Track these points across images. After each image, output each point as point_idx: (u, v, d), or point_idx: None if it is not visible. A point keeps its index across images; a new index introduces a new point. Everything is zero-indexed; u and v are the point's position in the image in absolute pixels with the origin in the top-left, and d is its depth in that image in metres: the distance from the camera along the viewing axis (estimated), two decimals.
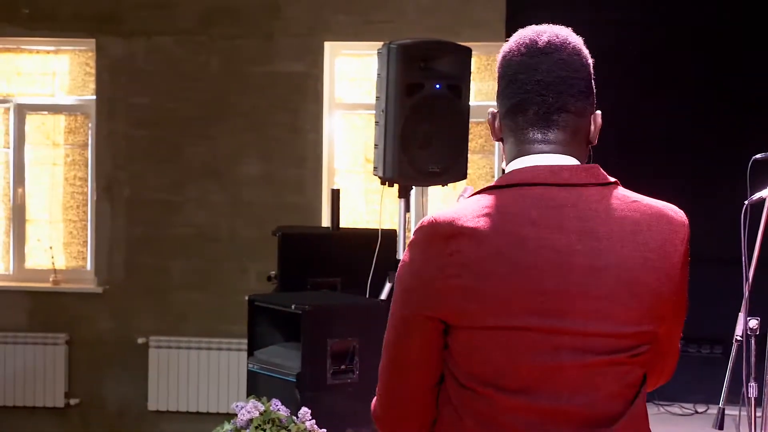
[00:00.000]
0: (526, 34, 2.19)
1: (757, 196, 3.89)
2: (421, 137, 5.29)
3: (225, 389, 8.02)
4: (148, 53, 8.20)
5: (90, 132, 8.45)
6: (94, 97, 8.36)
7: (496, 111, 2.20)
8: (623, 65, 7.14)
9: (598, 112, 2.24)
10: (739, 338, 3.95)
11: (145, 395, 8.14)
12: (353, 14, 7.99)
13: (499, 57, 2.20)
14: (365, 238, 5.64)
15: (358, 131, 8.29)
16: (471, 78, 5.37)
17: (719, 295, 6.46)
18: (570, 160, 2.14)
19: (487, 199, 2.06)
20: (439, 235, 2.03)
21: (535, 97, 2.12)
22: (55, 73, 8.54)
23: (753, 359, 3.91)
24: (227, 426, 4.62)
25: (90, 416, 8.32)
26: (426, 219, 2.09)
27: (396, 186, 5.38)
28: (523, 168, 2.10)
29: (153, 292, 8.19)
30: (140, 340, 8.13)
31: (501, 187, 2.07)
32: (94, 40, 8.31)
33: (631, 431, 2.09)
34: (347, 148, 8.31)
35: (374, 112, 7.92)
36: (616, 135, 7.11)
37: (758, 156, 4.10)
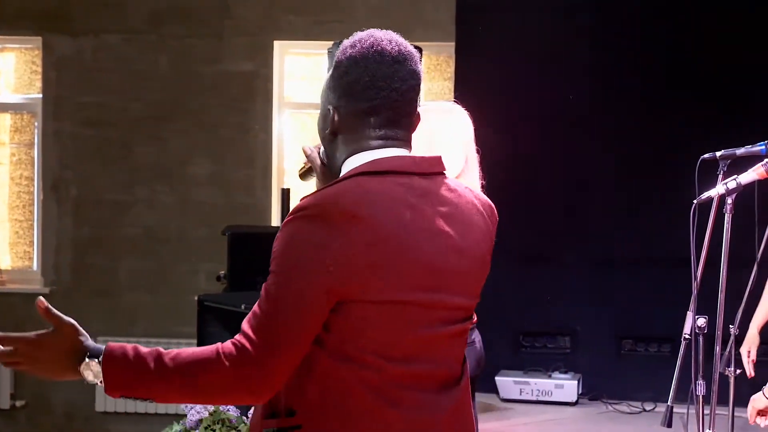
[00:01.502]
0: (373, 40, 2.39)
1: (705, 195, 3.92)
2: None
3: None
4: (97, 52, 8.14)
5: (36, 131, 8.38)
6: (41, 95, 8.29)
7: (336, 106, 2.39)
8: (571, 64, 7.19)
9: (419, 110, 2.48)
10: (687, 336, 3.97)
11: (93, 397, 8.09)
12: (303, 14, 7.99)
13: (345, 59, 2.39)
14: None
15: (307, 131, 8.28)
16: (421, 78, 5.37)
17: (667, 294, 6.52)
18: (411, 153, 2.43)
19: (370, 184, 2.30)
20: (343, 216, 2.23)
21: (390, 102, 2.38)
22: (0, 71, 8.45)
23: (701, 357, 3.94)
24: (176, 427, 4.61)
25: (37, 418, 8.26)
26: (322, 198, 2.26)
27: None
28: (384, 159, 2.35)
29: (101, 292, 8.14)
30: None
31: (375, 173, 2.32)
32: (40, 38, 8.25)
33: (466, 387, 2.44)
34: (297, 147, 8.30)
35: None
36: (565, 133, 7.19)
37: (706, 156, 4.14)
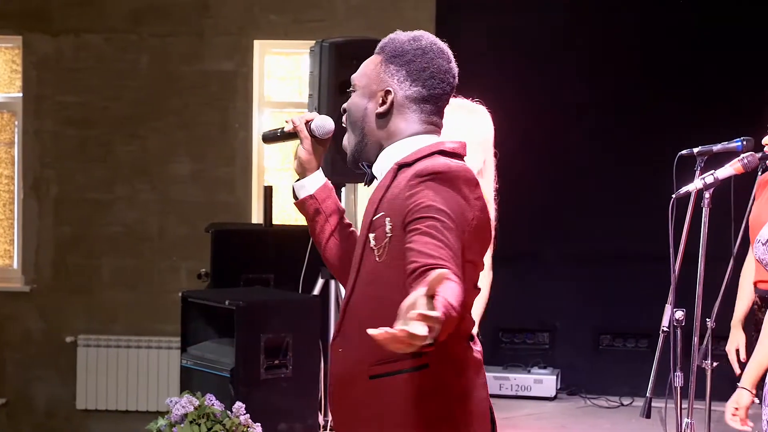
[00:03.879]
0: (433, 39, 2.72)
1: (683, 190, 3.98)
2: None
3: (155, 387, 8.00)
4: (77, 51, 8.16)
5: (16, 130, 8.38)
6: (21, 94, 8.29)
7: (394, 89, 2.66)
8: (549, 64, 7.26)
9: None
10: (665, 329, 4.04)
11: (74, 394, 8.10)
12: (283, 14, 8.02)
13: (410, 48, 2.67)
14: (297, 234, 5.67)
15: None
16: None
17: (645, 290, 6.60)
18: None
19: (458, 161, 2.61)
20: (473, 182, 2.56)
21: (444, 94, 2.69)
22: None
23: (679, 350, 4.00)
24: (162, 421, 4.64)
25: (18, 416, 8.26)
26: (455, 165, 2.55)
27: None
28: (448, 142, 2.64)
29: (82, 291, 8.15)
30: (68, 339, 8.08)
31: (447, 154, 2.61)
32: (20, 37, 8.25)
33: None
34: (276, 146, 8.32)
35: (303, 110, 8.01)
36: (545, 132, 7.26)
37: (683, 152, 4.20)
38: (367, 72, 2.71)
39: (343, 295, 2.80)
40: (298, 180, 2.94)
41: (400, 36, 2.71)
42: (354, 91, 2.75)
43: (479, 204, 2.55)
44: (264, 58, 8.23)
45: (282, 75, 8.33)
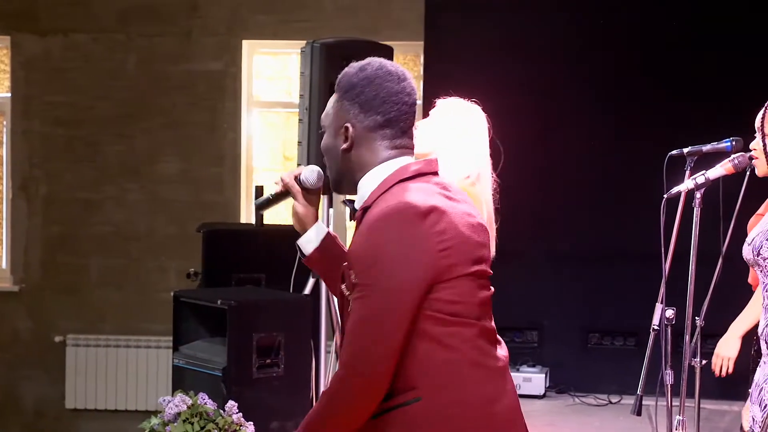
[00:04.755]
0: (380, 63, 2.73)
1: (675, 190, 4.02)
2: None
3: (144, 387, 8.02)
4: (65, 51, 8.17)
5: (5, 130, 8.38)
6: (9, 95, 8.30)
7: (352, 123, 2.70)
8: (539, 63, 7.30)
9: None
10: (656, 327, 4.08)
11: (63, 394, 8.11)
12: (272, 14, 8.04)
13: (358, 81, 2.70)
14: (288, 234, 5.62)
15: (275, 129, 8.35)
16: None
17: (632, 289, 6.65)
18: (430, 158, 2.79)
19: (411, 186, 2.64)
20: (419, 214, 2.56)
21: (401, 114, 2.71)
22: None
23: (669, 347, 4.05)
24: (155, 420, 4.64)
25: (6, 415, 8.26)
26: (397, 206, 2.57)
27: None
28: (408, 165, 2.68)
29: (70, 290, 8.16)
30: (57, 339, 8.09)
31: (409, 178, 2.66)
32: (8, 37, 8.26)
33: None
34: (265, 146, 8.36)
35: (291, 110, 8.04)
36: (533, 131, 7.29)
37: (673, 152, 4.24)
38: (329, 111, 2.76)
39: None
40: (301, 236, 2.94)
41: (350, 70, 2.74)
42: (324, 132, 2.79)
43: (441, 228, 2.56)
44: (252, 58, 8.25)
45: (270, 75, 8.35)
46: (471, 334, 2.61)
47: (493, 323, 2.71)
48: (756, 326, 4.07)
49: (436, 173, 2.71)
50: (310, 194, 2.91)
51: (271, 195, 3.00)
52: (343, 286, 2.66)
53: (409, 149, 2.73)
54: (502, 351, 2.72)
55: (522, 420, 2.72)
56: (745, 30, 7.06)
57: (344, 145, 2.71)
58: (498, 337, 2.73)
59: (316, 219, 2.94)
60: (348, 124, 2.71)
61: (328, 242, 2.93)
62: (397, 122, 2.70)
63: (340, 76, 2.77)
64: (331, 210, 5.46)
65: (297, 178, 2.91)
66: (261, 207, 3.06)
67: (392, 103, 2.69)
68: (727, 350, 4.65)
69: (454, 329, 2.59)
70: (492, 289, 2.72)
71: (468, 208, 2.68)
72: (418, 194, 2.60)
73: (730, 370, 4.62)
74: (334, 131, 2.73)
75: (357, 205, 2.73)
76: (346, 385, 2.58)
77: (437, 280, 2.56)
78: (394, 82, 2.70)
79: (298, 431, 2.66)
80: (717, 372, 4.65)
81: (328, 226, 3.30)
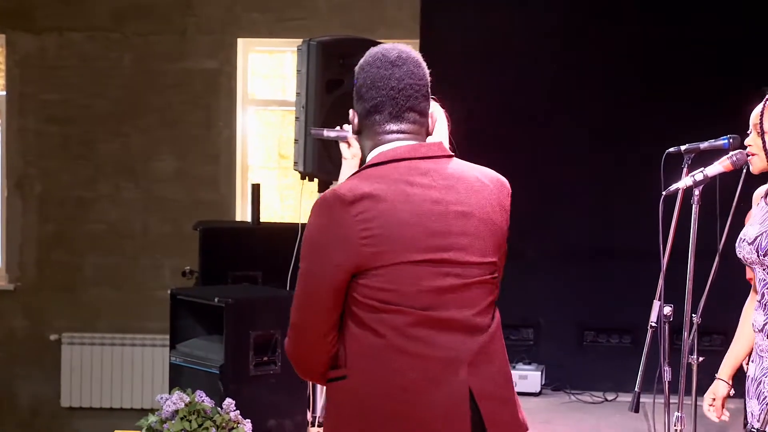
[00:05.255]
0: (378, 50, 2.76)
1: (674, 187, 4.02)
2: None
3: (139, 385, 8.03)
4: (60, 49, 8.17)
5: (0, 128, 8.38)
6: (4, 92, 8.30)
7: (355, 111, 2.78)
8: (534, 62, 7.31)
9: (432, 111, 2.82)
10: (654, 324, 4.08)
11: (58, 392, 8.11)
12: (266, 12, 8.05)
13: (356, 70, 2.77)
14: (285, 232, 5.69)
15: (271, 127, 8.35)
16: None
17: (628, 286, 6.67)
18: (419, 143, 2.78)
19: (371, 172, 2.69)
20: (343, 202, 2.60)
21: (389, 99, 2.72)
22: None
23: (667, 344, 4.06)
24: (152, 418, 4.66)
25: (2, 414, 8.26)
26: (326, 193, 2.66)
27: (315, 181, 5.45)
28: (388, 150, 2.71)
29: (66, 289, 8.16)
30: (53, 337, 8.09)
31: (378, 164, 2.70)
32: (4, 36, 8.25)
33: (496, 337, 2.75)
34: (260, 144, 8.37)
35: (287, 108, 8.04)
36: (529, 128, 7.31)
37: (671, 149, 4.25)
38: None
39: None
40: None
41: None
42: None
43: (369, 215, 2.59)
44: (247, 56, 8.25)
45: (265, 73, 8.36)
46: (402, 321, 2.62)
47: (455, 312, 2.66)
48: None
49: (424, 157, 2.71)
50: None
51: (336, 131, 3.37)
52: None
53: (406, 134, 2.75)
54: (468, 343, 2.66)
55: (462, 416, 2.63)
56: (741, 29, 7.09)
57: (353, 131, 2.84)
58: (476, 326, 2.68)
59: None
60: (352, 111, 2.80)
61: None
62: (383, 108, 2.73)
63: None
64: None
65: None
66: (318, 135, 3.48)
67: (377, 88, 2.71)
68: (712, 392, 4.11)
69: (383, 315, 2.62)
70: (476, 279, 2.69)
71: (440, 195, 2.67)
72: (357, 181, 2.66)
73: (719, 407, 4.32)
74: (350, 116, 2.83)
75: None
76: (287, 351, 2.77)
77: (362, 267, 2.60)
78: (385, 68, 2.71)
79: None
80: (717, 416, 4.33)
81: None
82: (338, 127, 3.45)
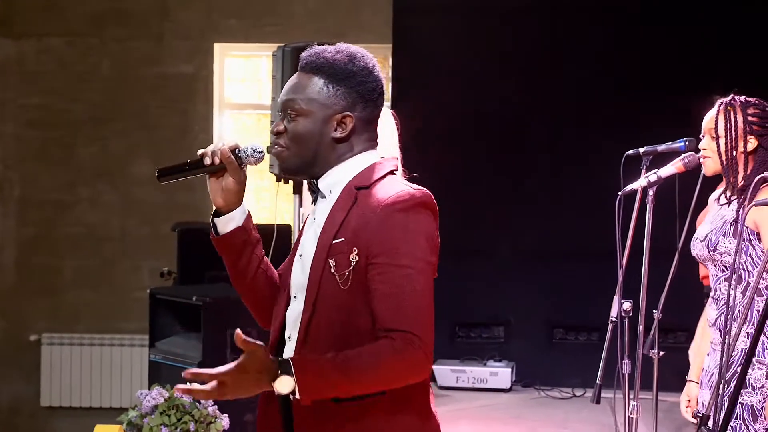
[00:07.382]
0: (366, 52, 2.67)
1: (629, 188, 4.18)
2: None
3: (118, 384, 8.11)
4: (39, 54, 8.24)
5: None
6: None
7: (350, 114, 2.60)
8: (503, 65, 7.44)
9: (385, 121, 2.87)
10: (614, 320, 4.23)
11: (38, 392, 8.19)
12: (243, 18, 8.16)
13: (355, 69, 2.60)
14: (261, 232, 5.76)
15: (247, 131, 8.46)
16: None
17: (596, 285, 6.78)
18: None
19: (404, 180, 2.68)
20: (432, 205, 2.58)
21: (381, 110, 2.69)
22: None
23: (626, 339, 4.20)
24: (132, 413, 4.77)
25: None
26: (424, 192, 2.57)
27: (291, 183, 5.56)
28: (384, 162, 2.64)
29: (45, 291, 8.23)
30: (32, 338, 8.17)
31: (392, 172, 2.63)
32: None
33: None
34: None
35: (263, 111, 8.15)
36: (498, 130, 7.45)
37: (630, 152, 4.41)
38: (313, 96, 2.58)
39: None
40: (222, 214, 2.72)
41: (336, 55, 2.62)
42: (297, 116, 2.60)
43: (437, 223, 2.58)
44: (224, 61, 8.37)
45: (242, 77, 8.47)
46: None
47: None
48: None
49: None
50: (241, 170, 2.66)
51: (187, 163, 2.70)
52: (331, 261, 2.53)
53: (376, 142, 2.69)
54: None
55: None
56: (702, 31, 7.22)
57: (338, 134, 2.60)
58: None
59: (242, 198, 2.72)
60: (349, 114, 2.59)
61: (249, 225, 2.74)
62: (378, 115, 2.68)
63: (311, 57, 2.63)
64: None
65: (236, 152, 2.65)
66: (166, 174, 2.74)
67: (379, 93, 2.66)
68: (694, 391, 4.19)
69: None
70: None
71: None
72: (417, 188, 2.61)
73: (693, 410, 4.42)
74: (323, 118, 2.58)
75: (328, 190, 2.61)
76: (412, 355, 2.47)
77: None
78: (378, 73, 2.66)
79: (326, 366, 2.49)
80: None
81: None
82: (202, 153, 2.72)
